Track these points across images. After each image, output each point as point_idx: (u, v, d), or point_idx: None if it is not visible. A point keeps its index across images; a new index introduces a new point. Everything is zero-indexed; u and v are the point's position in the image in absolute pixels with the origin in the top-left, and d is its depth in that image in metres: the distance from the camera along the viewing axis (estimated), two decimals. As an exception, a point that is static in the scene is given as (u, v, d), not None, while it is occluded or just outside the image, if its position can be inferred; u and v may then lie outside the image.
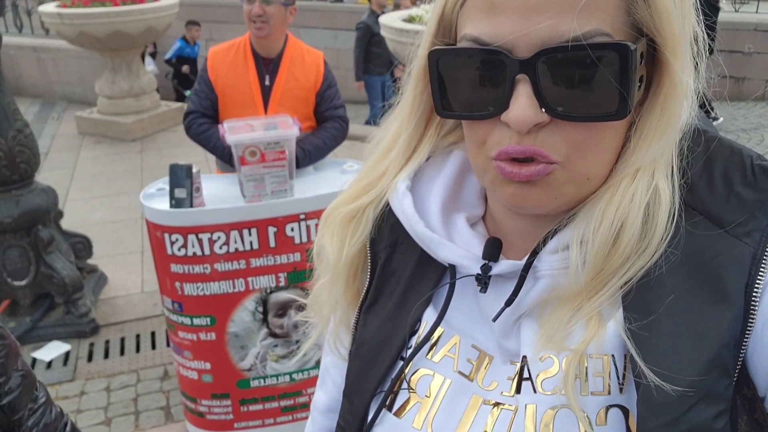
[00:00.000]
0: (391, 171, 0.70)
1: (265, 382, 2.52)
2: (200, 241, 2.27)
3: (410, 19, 5.11)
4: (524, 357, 0.60)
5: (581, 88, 0.53)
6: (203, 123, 2.70)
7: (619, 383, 0.56)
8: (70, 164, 6.08)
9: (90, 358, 3.28)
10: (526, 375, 0.60)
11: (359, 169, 2.47)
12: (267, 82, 2.69)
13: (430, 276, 0.68)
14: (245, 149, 2.22)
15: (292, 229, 2.33)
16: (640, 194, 0.57)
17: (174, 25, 6.81)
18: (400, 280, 0.70)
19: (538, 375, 0.59)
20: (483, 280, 0.63)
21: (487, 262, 0.63)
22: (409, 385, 0.65)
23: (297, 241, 2.35)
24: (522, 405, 0.59)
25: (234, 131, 2.26)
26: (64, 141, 6.71)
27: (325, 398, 0.83)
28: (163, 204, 2.32)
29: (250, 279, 2.36)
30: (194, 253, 2.29)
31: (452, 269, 0.66)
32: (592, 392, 0.56)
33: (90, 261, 3.88)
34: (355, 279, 0.74)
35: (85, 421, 2.86)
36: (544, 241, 0.61)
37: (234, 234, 2.28)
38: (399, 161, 0.70)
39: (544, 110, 0.54)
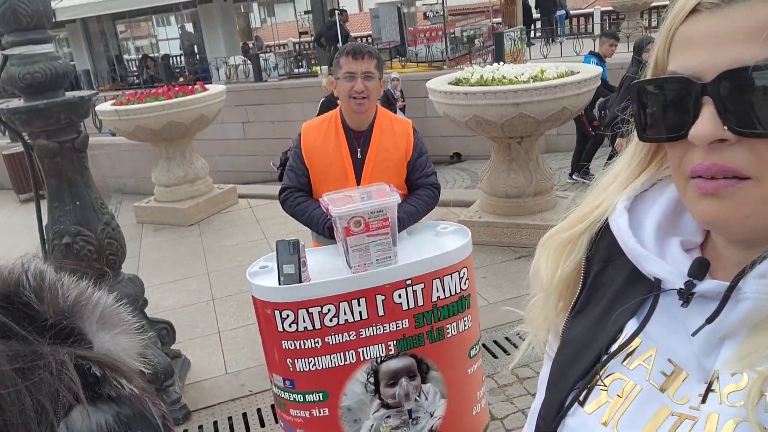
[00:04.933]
0: (608, 200, 0.77)
1: (379, 455, 2.46)
2: (311, 315, 2.27)
3: (456, 82, 5.23)
4: (716, 371, 0.62)
5: (760, 106, 0.57)
6: (300, 196, 2.76)
7: None
8: (134, 253, 6.20)
9: (186, 445, 3.26)
10: (714, 387, 0.61)
11: (455, 229, 2.46)
12: (359, 155, 2.74)
13: (637, 291, 0.72)
14: (350, 220, 2.24)
15: (400, 296, 2.32)
16: None
17: (222, 111, 7.06)
18: (608, 291, 0.76)
19: (726, 387, 0.60)
20: (685, 295, 0.66)
21: (691, 279, 0.66)
22: (603, 384, 0.70)
23: (405, 307, 2.34)
24: (704, 414, 0.61)
25: (336, 203, 2.29)
26: (124, 231, 6.85)
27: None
28: (270, 281, 2.34)
29: (360, 350, 2.34)
30: (305, 328, 2.28)
31: (657, 283, 0.70)
32: None
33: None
34: (567, 293, 0.81)
35: None
36: (753, 265, 0.62)
37: (343, 305, 2.28)
38: (618, 190, 0.77)
39: (726, 128, 0.58)
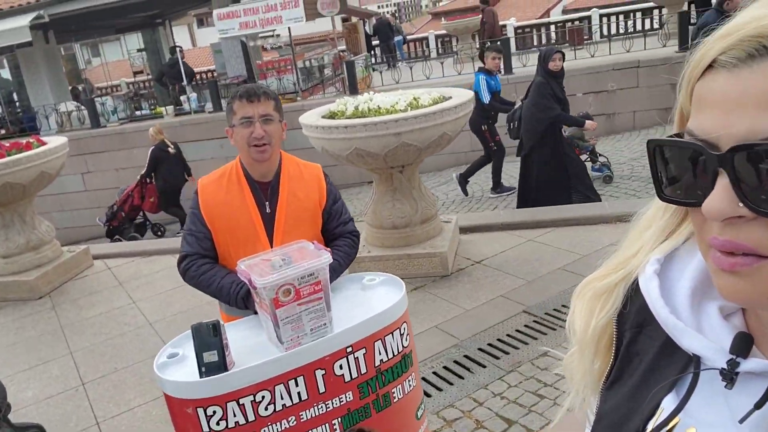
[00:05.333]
0: (644, 251, 0.72)
1: None
2: (242, 407, 1.92)
3: (331, 115, 5.03)
4: None
5: None
6: (204, 263, 2.40)
7: None
8: (-28, 341, 5.29)
9: None
10: None
11: (383, 280, 2.25)
12: (268, 210, 2.43)
13: (674, 362, 0.67)
14: (278, 289, 1.94)
15: (341, 367, 2.05)
16: None
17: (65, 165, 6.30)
18: (642, 361, 0.71)
19: None
20: (729, 375, 0.61)
21: (734, 357, 0.61)
22: None
23: (347, 378, 2.06)
24: None
25: (256, 270, 1.98)
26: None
27: None
28: (186, 372, 1.97)
29: (302, 436, 2.03)
30: (236, 423, 1.93)
31: (696, 360, 0.64)
32: None
33: (45, 453, 3.27)
34: (602, 353, 0.77)
35: None
36: None
37: (279, 389, 1.96)
38: (652, 243, 0.71)
39: (741, 204, 0.53)
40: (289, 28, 11.91)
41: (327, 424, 2.06)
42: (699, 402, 0.64)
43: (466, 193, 8.44)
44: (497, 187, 8.16)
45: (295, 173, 2.51)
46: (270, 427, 1.97)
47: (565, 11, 35.36)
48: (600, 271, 0.77)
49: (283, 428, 1.99)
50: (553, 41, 17.90)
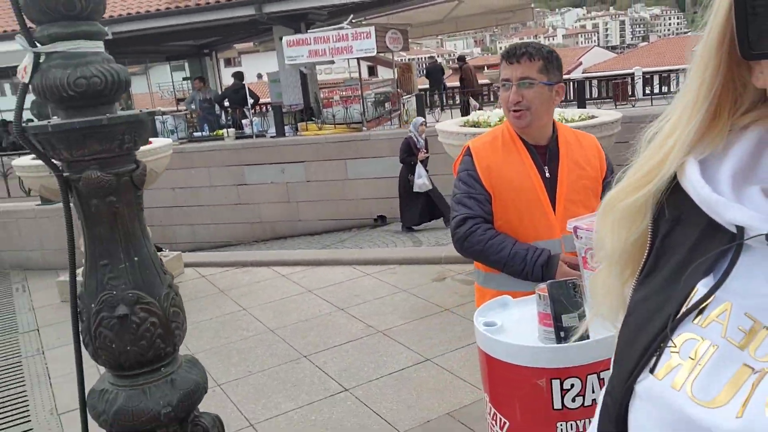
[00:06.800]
0: (675, 156, 0.64)
1: None
2: (601, 381, 1.66)
3: (474, 124, 4.86)
4: None
5: None
6: (489, 228, 2.20)
7: None
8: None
9: None
10: None
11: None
12: (547, 174, 2.23)
13: (715, 243, 0.62)
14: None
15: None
16: None
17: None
18: (678, 251, 0.66)
19: None
20: None
21: None
22: (673, 344, 0.61)
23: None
24: None
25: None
26: (49, 313, 5.58)
27: None
28: (525, 337, 1.70)
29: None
30: (593, 401, 1.66)
31: (740, 231, 0.59)
32: None
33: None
34: (633, 260, 0.71)
35: None
36: None
37: (639, 365, 1.70)
38: (682, 149, 0.64)
39: None
40: (359, 60, 11.93)
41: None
42: (738, 277, 0.59)
43: None
44: None
45: (572, 140, 2.32)
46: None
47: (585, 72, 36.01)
48: (624, 186, 0.69)
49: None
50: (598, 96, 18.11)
